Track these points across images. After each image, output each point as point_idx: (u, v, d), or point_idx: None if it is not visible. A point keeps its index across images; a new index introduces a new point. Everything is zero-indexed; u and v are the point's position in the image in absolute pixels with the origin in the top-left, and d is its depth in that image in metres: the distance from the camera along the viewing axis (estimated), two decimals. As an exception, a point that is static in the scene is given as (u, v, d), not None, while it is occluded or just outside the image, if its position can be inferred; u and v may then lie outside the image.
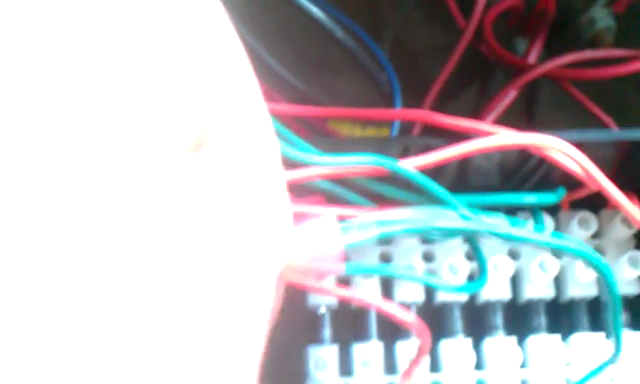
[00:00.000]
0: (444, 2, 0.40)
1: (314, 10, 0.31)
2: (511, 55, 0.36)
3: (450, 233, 0.21)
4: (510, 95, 0.35)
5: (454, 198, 0.22)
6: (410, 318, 0.25)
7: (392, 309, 0.25)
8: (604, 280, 0.23)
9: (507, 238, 0.22)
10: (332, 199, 0.25)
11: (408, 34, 0.43)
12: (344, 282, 0.29)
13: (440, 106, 0.39)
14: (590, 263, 0.23)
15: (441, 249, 0.29)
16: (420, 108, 0.36)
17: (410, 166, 0.22)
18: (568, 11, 0.40)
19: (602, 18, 0.40)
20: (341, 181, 0.24)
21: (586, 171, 0.23)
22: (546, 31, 0.38)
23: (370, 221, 0.19)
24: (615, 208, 0.29)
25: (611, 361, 0.26)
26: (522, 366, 0.29)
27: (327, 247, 0.17)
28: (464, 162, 0.25)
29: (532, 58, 0.36)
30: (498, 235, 0.22)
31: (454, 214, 0.23)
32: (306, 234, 0.17)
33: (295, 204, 0.24)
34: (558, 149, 0.23)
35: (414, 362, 0.27)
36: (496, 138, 0.22)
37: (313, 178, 0.20)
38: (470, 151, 0.22)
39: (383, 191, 0.24)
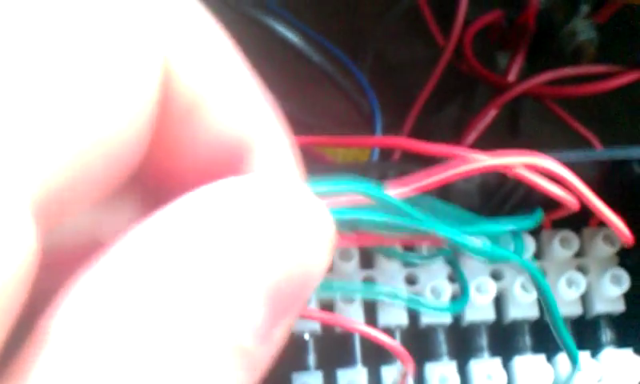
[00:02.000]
0: (418, 19, 0.40)
1: (290, 36, 0.31)
2: (491, 73, 0.36)
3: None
4: (491, 114, 0.35)
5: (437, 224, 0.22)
6: (393, 343, 0.25)
7: (375, 334, 0.25)
8: (542, 296, 0.23)
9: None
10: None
11: (389, 50, 0.43)
12: (328, 307, 0.29)
13: (422, 123, 0.39)
14: (529, 273, 0.23)
15: (423, 272, 0.29)
16: (402, 123, 0.36)
17: (392, 194, 0.22)
18: (549, 24, 0.40)
19: (583, 30, 0.40)
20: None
21: (572, 189, 0.23)
22: (527, 46, 0.38)
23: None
24: (599, 225, 0.29)
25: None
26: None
27: None
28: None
29: (513, 74, 0.36)
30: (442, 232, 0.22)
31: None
32: None
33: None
34: (543, 167, 0.23)
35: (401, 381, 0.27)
36: (476, 163, 0.22)
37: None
38: (450, 178, 0.22)
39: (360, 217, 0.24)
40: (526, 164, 0.23)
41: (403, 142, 0.25)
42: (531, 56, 0.39)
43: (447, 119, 0.42)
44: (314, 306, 0.28)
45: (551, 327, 0.24)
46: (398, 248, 0.28)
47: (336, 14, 0.43)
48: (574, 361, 0.24)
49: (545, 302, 0.24)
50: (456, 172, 0.23)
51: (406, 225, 0.24)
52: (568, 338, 0.24)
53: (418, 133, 0.37)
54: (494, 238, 0.25)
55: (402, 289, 0.29)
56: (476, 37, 0.38)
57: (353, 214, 0.24)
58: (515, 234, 0.27)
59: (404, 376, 0.26)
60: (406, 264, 0.29)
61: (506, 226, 0.25)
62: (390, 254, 0.26)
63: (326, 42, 0.33)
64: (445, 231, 0.23)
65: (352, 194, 0.20)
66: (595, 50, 0.39)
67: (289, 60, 0.33)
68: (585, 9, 0.40)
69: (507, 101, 0.34)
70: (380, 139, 0.26)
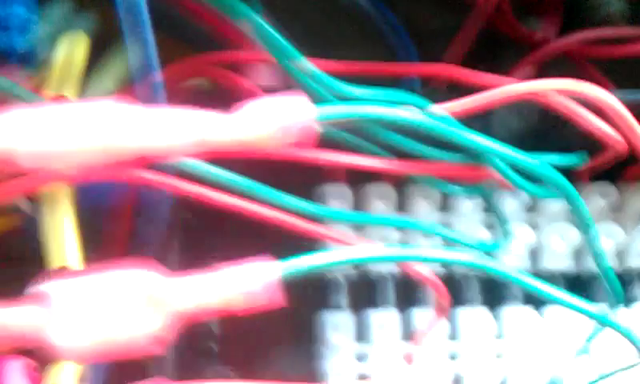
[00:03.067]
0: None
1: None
2: (528, 31, 0.36)
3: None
4: (527, 71, 0.35)
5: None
6: (431, 276, 0.25)
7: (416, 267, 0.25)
8: (586, 233, 0.23)
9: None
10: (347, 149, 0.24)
11: (414, 16, 0.43)
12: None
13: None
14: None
15: (457, 218, 0.29)
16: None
17: (443, 110, 0.21)
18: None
19: (612, 1, 0.40)
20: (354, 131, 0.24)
21: (621, 124, 0.23)
22: (560, 9, 0.37)
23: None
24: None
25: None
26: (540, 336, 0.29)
27: (296, 118, 0.16)
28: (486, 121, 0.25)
29: (549, 34, 0.36)
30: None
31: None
32: (274, 106, 0.16)
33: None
34: (587, 95, 0.22)
35: (432, 322, 0.26)
36: (535, 83, 0.22)
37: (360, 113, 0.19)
38: (490, 101, 0.22)
39: (403, 143, 0.24)
40: (568, 90, 0.23)
41: (449, 70, 0.24)
42: (562, 23, 0.39)
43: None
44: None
45: (596, 264, 0.23)
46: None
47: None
48: (618, 299, 0.24)
49: (589, 241, 0.23)
50: (495, 95, 0.23)
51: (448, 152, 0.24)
52: (612, 273, 0.24)
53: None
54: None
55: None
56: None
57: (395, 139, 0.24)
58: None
59: (441, 310, 0.26)
60: (442, 204, 0.29)
61: (549, 160, 0.25)
62: (428, 183, 0.25)
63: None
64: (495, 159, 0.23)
65: (406, 105, 0.20)
66: (624, 21, 0.39)
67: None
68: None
69: (544, 57, 0.34)
70: (425, 66, 0.26)
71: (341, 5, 0.33)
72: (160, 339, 0.16)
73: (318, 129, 0.16)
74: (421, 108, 0.21)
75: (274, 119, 0.16)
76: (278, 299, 0.16)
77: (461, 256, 0.19)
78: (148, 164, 0.22)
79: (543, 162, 0.21)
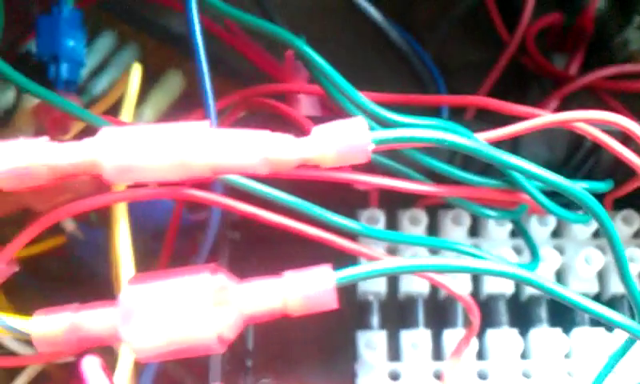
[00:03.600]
0: (482, 19, 0.41)
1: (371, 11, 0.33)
2: (554, 67, 0.37)
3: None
4: (551, 106, 0.36)
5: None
6: (465, 296, 0.26)
7: (448, 285, 0.26)
8: (614, 252, 0.24)
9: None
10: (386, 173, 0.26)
11: (444, 53, 0.45)
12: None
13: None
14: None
15: (486, 242, 0.30)
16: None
17: (482, 138, 0.23)
18: (603, 33, 0.42)
19: (635, 39, 0.41)
20: (396, 157, 0.26)
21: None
22: (585, 48, 0.39)
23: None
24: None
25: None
26: (567, 356, 0.30)
27: (355, 140, 0.18)
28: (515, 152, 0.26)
29: (573, 71, 0.37)
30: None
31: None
32: (335, 129, 0.18)
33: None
34: (615, 123, 0.24)
35: (464, 340, 0.27)
36: (570, 113, 0.23)
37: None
38: (538, 126, 0.23)
39: (441, 168, 0.25)
40: (601, 120, 0.24)
41: (484, 101, 0.26)
42: (585, 60, 0.41)
43: (502, 120, 0.43)
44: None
45: (622, 278, 0.24)
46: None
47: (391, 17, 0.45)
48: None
49: (617, 259, 0.24)
50: (529, 125, 0.25)
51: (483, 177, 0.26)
52: (633, 286, 0.24)
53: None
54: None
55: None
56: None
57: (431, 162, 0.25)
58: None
59: (471, 329, 0.27)
60: (472, 229, 0.30)
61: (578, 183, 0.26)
62: (462, 206, 0.27)
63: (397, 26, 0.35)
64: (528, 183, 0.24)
65: (445, 132, 0.21)
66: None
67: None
68: (638, 19, 0.42)
69: (569, 93, 0.35)
70: (454, 98, 0.27)
71: (377, 41, 0.35)
72: (225, 339, 0.18)
73: (372, 151, 0.18)
74: (460, 135, 0.23)
75: (336, 141, 0.17)
76: (333, 304, 0.18)
77: (528, 273, 0.20)
78: (201, 182, 0.24)
79: (577, 187, 0.22)
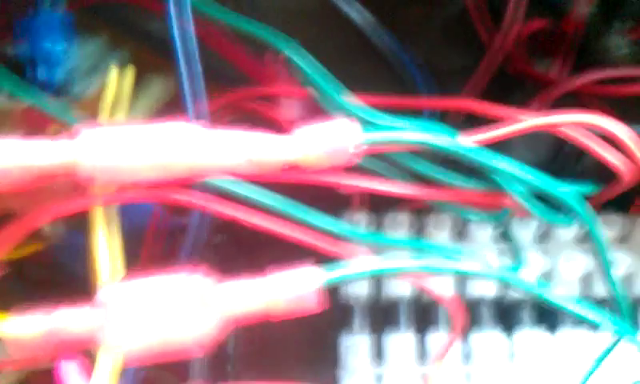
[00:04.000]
0: (467, 25, 0.41)
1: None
2: (538, 72, 0.37)
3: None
4: (539, 108, 0.36)
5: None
6: (447, 296, 0.26)
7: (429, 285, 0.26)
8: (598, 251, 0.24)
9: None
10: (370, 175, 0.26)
11: (430, 58, 0.45)
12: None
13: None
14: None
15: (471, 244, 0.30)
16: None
17: (469, 141, 0.23)
18: (587, 38, 0.42)
19: (620, 45, 0.42)
20: (380, 159, 0.25)
21: (630, 154, 0.24)
22: (569, 53, 0.39)
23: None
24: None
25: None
26: (552, 357, 0.30)
27: (340, 142, 0.18)
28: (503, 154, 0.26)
29: (559, 75, 0.37)
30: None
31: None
32: (320, 130, 0.18)
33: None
34: (598, 126, 0.24)
35: (449, 343, 0.27)
36: (554, 116, 0.23)
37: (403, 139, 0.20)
38: (526, 128, 0.23)
39: (426, 171, 0.25)
40: (586, 123, 0.24)
41: (471, 104, 0.26)
42: (570, 65, 0.41)
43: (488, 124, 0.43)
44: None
45: (606, 281, 0.24)
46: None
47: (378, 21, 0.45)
48: (622, 315, 0.25)
49: (603, 267, 0.24)
50: (517, 127, 0.24)
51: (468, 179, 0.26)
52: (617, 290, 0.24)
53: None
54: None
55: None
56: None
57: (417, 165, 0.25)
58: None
59: (455, 332, 0.27)
60: (456, 229, 0.30)
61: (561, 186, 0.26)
62: (446, 208, 0.27)
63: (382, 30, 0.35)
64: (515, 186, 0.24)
65: (430, 134, 0.21)
66: (632, 62, 0.41)
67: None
68: (622, 25, 0.42)
69: (554, 97, 0.35)
70: (447, 100, 0.27)
71: (362, 46, 0.35)
72: (208, 341, 0.17)
73: (362, 152, 0.18)
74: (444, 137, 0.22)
75: (324, 142, 0.17)
76: (320, 305, 0.17)
77: (513, 276, 0.20)
78: (183, 184, 0.23)
79: (563, 189, 0.22)
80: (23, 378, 0.31)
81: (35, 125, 0.27)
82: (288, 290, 0.17)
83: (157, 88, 0.38)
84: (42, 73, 0.32)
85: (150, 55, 0.39)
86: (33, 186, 0.18)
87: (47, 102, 0.24)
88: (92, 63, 0.39)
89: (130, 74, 0.27)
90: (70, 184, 0.21)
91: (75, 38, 0.36)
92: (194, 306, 0.17)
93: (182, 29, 0.23)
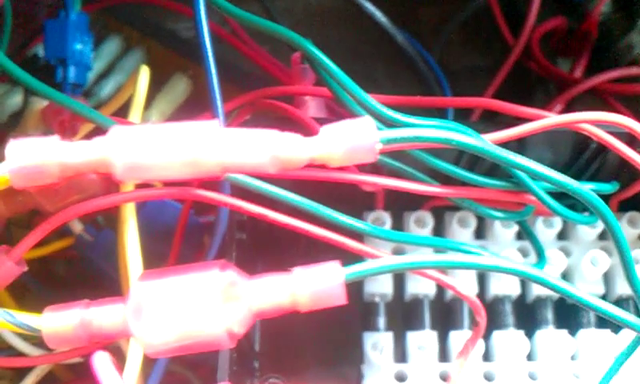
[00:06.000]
0: (487, 24, 0.42)
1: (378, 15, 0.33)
2: (559, 70, 0.38)
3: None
4: (556, 109, 0.37)
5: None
6: (470, 293, 0.26)
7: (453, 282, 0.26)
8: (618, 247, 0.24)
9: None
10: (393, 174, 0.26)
11: (448, 57, 0.45)
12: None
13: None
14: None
15: (492, 244, 0.31)
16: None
17: (489, 139, 0.23)
18: (607, 36, 0.42)
19: (639, 43, 0.42)
20: (403, 158, 0.26)
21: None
22: (589, 52, 0.39)
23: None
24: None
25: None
26: (573, 357, 0.30)
27: (363, 139, 0.18)
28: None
29: (578, 74, 0.38)
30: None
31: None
32: (344, 128, 0.18)
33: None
34: (620, 124, 0.24)
35: (470, 341, 0.27)
36: (576, 114, 0.23)
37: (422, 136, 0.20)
38: (544, 127, 0.23)
39: (448, 169, 0.25)
40: (607, 121, 0.24)
41: (491, 103, 0.26)
42: (589, 64, 0.41)
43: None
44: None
45: (629, 284, 0.24)
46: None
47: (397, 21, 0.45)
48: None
49: (623, 260, 0.24)
50: (536, 126, 0.25)
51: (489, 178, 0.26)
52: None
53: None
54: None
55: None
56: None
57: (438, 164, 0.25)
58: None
59: (477, 333, 0.27)
60: (478, 231, 0.30)
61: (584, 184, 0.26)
62: (469, 207, 0.27)
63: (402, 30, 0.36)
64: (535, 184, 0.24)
65: (453, 132, 0.21)
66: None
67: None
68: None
69: (574, 95, 0.35)
70: (460, 100, 0.28)
71: (383, 45, 0.35)
72: (235, 335, 0.18)
73: (385, 150, 0.18)
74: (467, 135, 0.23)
75: (347, 140, 0.18)
76: (342, 300, 0.18)
77: (537, 271, 0.20)
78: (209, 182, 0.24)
79: (584, 188, 0.22)
80: (52, 372, 0.32)
81: (65, 125, 0.27)
82: (313, 284, 0.17)
83: (177, 87, 0.38)
84: (72, 74, 0.32)
85: (169, 54, 0.40)
86: (63, 183, 0.18)
87: (78, 102, 0.25)
88: (110, 63, 0.40)
89: (147, 71, 0.28)
90: (101, 183, 0.22)
91: (97, 39, 0.37)
92: (221, 301, 0.17)
93: (208, 30, 0.23)
